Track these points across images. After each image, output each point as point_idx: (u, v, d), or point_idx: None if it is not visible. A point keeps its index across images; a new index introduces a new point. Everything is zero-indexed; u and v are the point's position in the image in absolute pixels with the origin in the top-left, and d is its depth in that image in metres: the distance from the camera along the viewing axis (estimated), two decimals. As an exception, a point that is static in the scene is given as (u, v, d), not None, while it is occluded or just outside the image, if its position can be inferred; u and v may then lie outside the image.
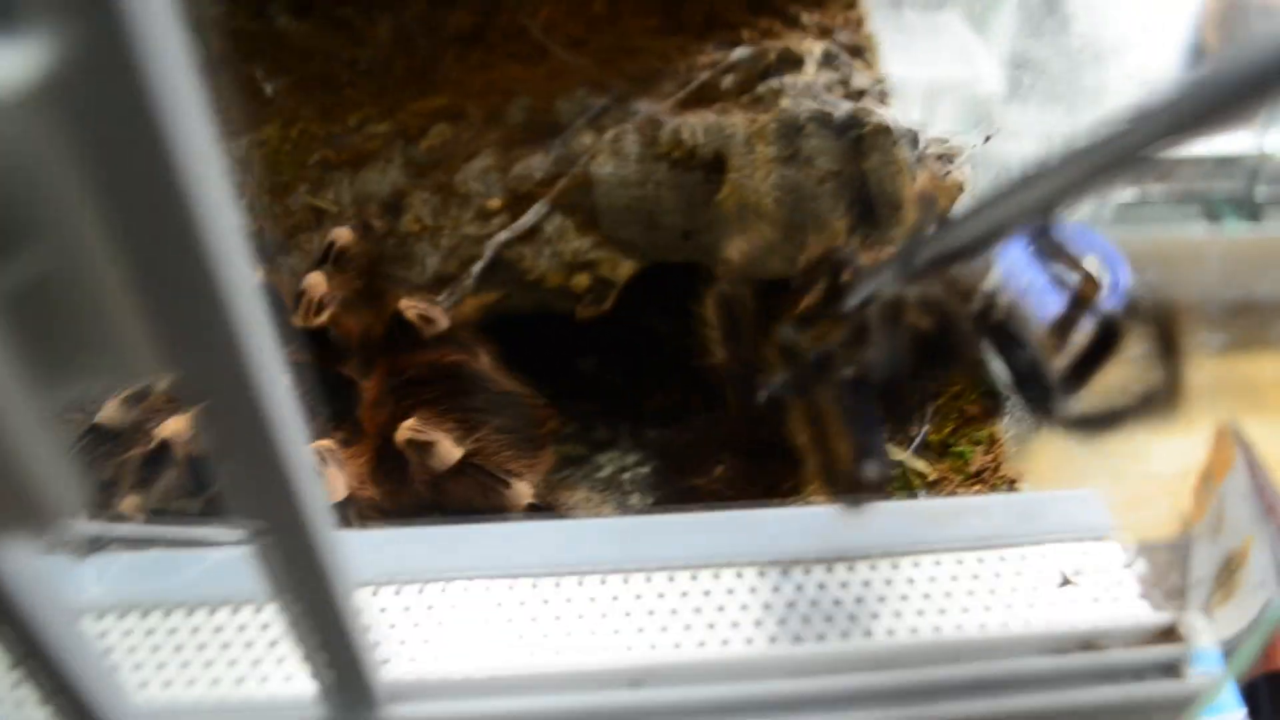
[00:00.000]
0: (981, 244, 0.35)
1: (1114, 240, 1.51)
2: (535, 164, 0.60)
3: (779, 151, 0.56)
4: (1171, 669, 0.39)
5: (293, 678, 0.39)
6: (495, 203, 0.60)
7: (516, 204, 0.60)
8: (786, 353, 0.45)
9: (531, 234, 0.59)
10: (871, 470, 0.36)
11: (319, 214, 0.61)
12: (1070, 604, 0.42)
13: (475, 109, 0.64)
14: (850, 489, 0.37)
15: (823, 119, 0.55)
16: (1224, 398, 1.57)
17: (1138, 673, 0.39)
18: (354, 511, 0.48)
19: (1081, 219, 1.52)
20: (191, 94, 0.21)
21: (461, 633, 0.40)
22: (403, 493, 0.51)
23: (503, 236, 0.58)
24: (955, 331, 0.38)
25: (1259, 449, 1.42)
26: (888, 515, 0.45)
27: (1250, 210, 1.63)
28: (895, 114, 0.55)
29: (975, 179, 0.56)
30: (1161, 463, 1.59)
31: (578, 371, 0.68)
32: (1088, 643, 0.40)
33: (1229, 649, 1.27)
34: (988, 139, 0.55)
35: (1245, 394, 1.63)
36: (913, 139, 0.55)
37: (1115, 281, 1.44)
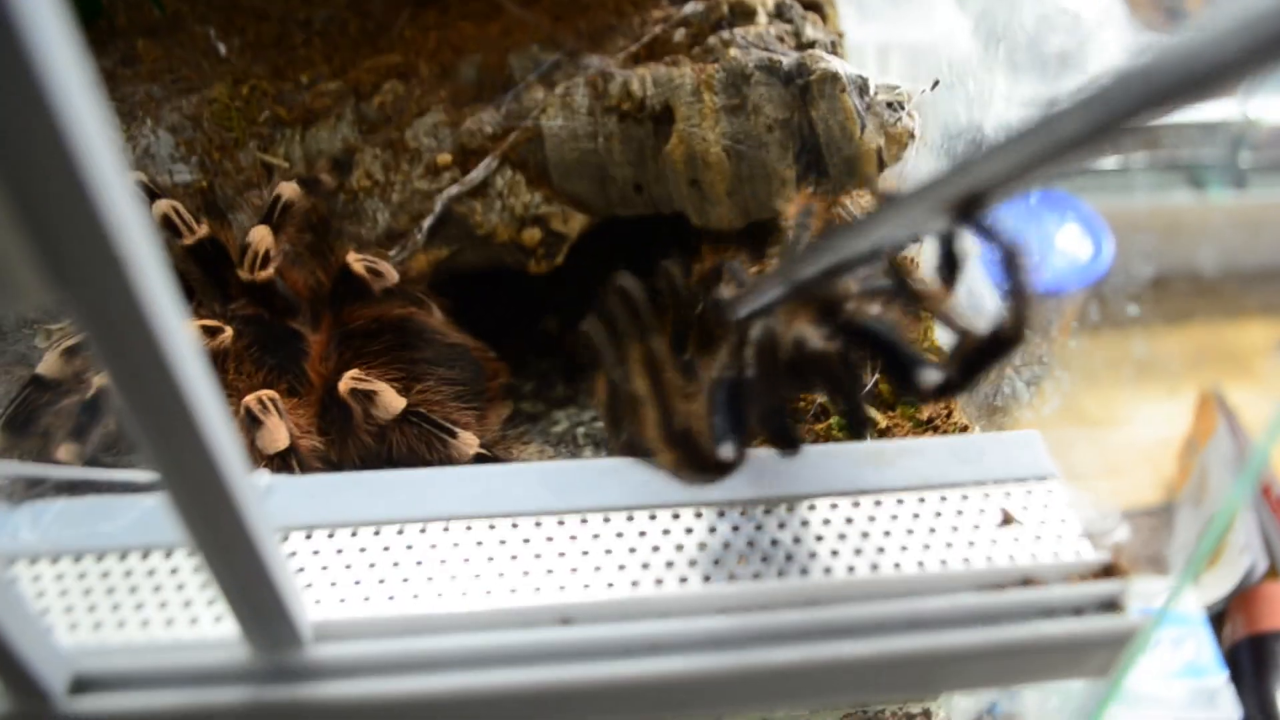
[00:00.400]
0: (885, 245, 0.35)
1: (1097, 209, 1.51)
2: (486, 119, 0.60)
3: (726, 101, 0.55)
4: (1111, 604, 0.39)
5: (223, 618, 0.38)
6: (446, 158, 0.59)
7: (467, 159, 0.59)
8: (668, 286, 0.45)
9: (482, 189, 0.59)
10: (727, 452, 0.36)
11: (269, 170, 0.60)
12: (1012, 542, 0.41)
13: (427, 66, 0.63)
14: (698, 459, 0.36)
15: (770, 67, 0.54)
16: (1208, 365, 1.57)
17: (1077, 608, 0.39)
18: (296, 461, 0.47)
19: (1065, 187, 1.51)
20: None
21: (393, 575, 0.40)
22: (347, 444, 0.50)
23: (453, 190, 0.58)
24: (815, 353, 0.38)
25: (1242, 416, 1.42)
26: (829, 457, 0.45)
27: (1235, 177, 1.62)
28: (845, 64, 0.55)
29: (924, 127, 0.56)
30: (1144, 429, 1.59)
31: (535, 329, 0.68)
32: (1027, 579, 0.40)
33: (1214, 613, 1.27)
34: (935, 85, 0.54)
35: (1229, 361, 1.62)
36: (862, 86, 0.54)
37: (1098, 250, 1.43)
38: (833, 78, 0.53)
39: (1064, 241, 1.43)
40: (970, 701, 1.19)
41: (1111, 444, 1.39)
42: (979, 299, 1.22)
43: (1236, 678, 1.20)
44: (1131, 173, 1.59)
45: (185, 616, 0.39)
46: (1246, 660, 1.21)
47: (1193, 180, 1.61)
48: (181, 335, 0.26)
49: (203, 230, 0.52)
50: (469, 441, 0.50)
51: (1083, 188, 1.53)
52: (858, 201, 0.60)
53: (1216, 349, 1.62)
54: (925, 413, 0.52)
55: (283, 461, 0.47)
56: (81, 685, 0.36)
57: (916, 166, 0.56)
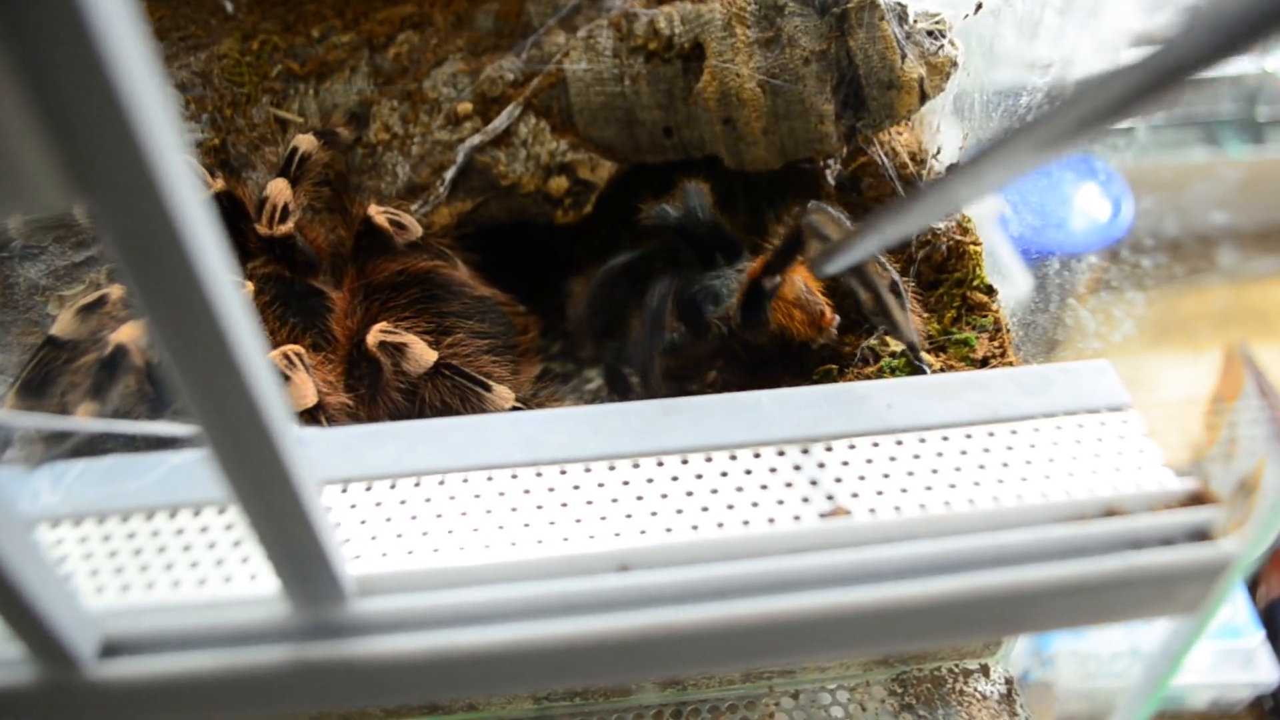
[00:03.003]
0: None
1: (1115, 168, 1.48)
2: (506, 66, 0.57)
3: (759, 34, 0.53)
4: (1202, 534, 0.37)
5: (258, 576, 0.36)
6: (466, 107, 0.57)
7: (488, 107, 0.57)
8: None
9: (506, 138, 0.57)
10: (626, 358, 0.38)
11: (283, 126, 0.58)
12: (1090, 474, 0.39)
13: (442, 16, 0.61)
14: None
15: (805, -5, 0.52)
16: (1231, 324, 1.54)
17: (1166, 538, 0.37)
18: (325, 418, 0.45)
19: (1083, 148, 1.48)
20: None
21: (437, 526, 0.37)
22: (377, 400, 0.48)
23: (475, 140, 0.55)
24: None
25: (1269, 374, 1.39)
26: (890, 392, 0.42)
27: (1253, 132, 1.59)
28: (883, -10, 0.52)
29: (967, 55, 0.53)
30: (1169, 390, 1.56)
31: (563, 288, 0.65)
32: (1110, 511, 0.37)
33: (1248, 574, 1.25)
34: (978, 8, 0.52)
35: (1253, 319, 1.60)
36: (900, 14, 0.52)
37: (1117, 210, 1.41)
38: (870, 5, 0.51)
39: (1083, 202, 1.41)
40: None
41: (1136, 405, 1.35)
42: (1000, 258, 1.20)
43: (1272, 637, 1.18)
44: (1148, 131, 1.57)
45: (218, 575, 0.37)
46: (1282, 620, 1.19)
47: (1210, 137, 1.58)
48: (217, 256, 0.24)
49: (218, 184, 0.50)
50: (504, 395, 0.47)
51: (1100, 146, 1.50)
52: (896, 139, 0.57)
53: (1240, 307, 1.59)
54: (980, 352, 0.50)
55: (310, 419, 0.45)
56: (112, 649, 0.34)
57: (958, 95, 0.54)
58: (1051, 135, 0.27)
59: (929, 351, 0.50)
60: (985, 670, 0.56)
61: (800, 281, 0.51)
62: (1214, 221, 1.49)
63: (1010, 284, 1.24)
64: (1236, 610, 1.19)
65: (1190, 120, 1.58)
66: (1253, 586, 1.24)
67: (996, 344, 0.51)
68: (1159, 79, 0.24)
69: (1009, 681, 0.55)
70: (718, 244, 0.57)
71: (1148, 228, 1.35)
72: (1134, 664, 1.16)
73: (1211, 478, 0.38)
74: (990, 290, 0.53)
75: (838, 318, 0.51)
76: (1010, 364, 0.50)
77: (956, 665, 0.56)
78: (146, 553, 0.38)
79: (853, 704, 0.55)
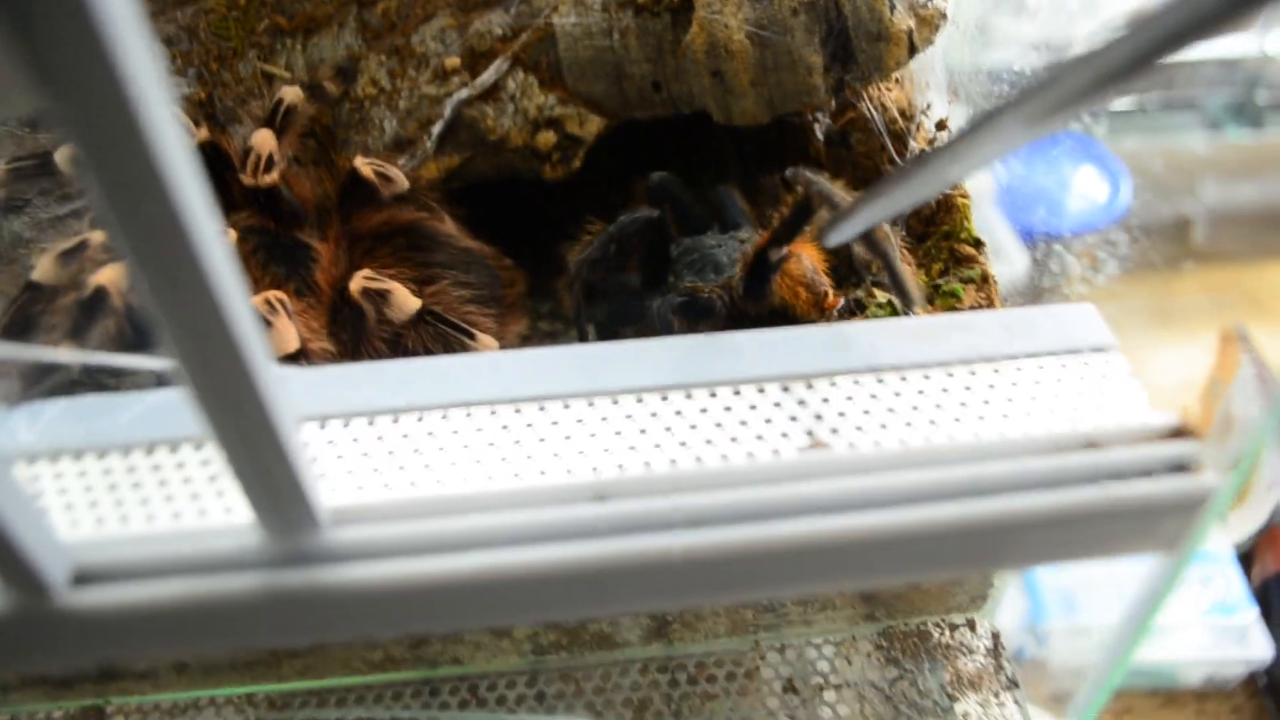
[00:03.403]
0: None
1: (1114, 151, 1.48)
2: (495, 20, 0.57)
3: (748, -17, 0.53)
4: (1182, 466, 0.37)
5: (233, 510, 0.36)
6: (454, 61, 0.57)
7: (476, 62, 0.56)
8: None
9: (494, 93, 0.56)
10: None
11: (270, 81, 0.57)
12: (1072, 411, 0.39)
13: (432, -30, 0.60)
14: None
15: (793, -55, 0.52)
16: (1228, 307, 1.54)
17: (1146, 470, 0.36)
18: (306, 363, 0.45)
19: (1081, 129, 1.48)
20: None
21: (414, 461, 0.37)
22: (360, 349, 0.48)
23: (463, 94, 0.55)
24: None
25: (1266, 357, 1.39)
26: (874, 334, 0.42)
27: (1252, 115, 1.59)
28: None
29: (956, 7, 0.53)
30: (1166, 371, 1.55)
31: (551, 246, 0.65)
32: (1091, 444, 0.37)
33: (1242, 551, 1.25)
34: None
35: (1249, 302, 1.59)
36: (890, -36, 0.52)
37: (1115, 192, 1.40)
38: (859, -46, 0.51)
39: (1082, 184, 1.41)
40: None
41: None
42: (998, 237, 1.19)
43: (1267, 615, 1.18)
44: (1148, 114, 1.56)
45: (193, 509, 0.36)
46: (1276, 596, 1.19)
47: (1209, 120, 1.57)
48: (195, 186, 0.24)
49: (202, 133, 0.50)
50: (488, 344, 0.47)
51: (1098, 129, 1.50)
52: (885, 94, 0.57)
53: (1236, 290, 1.59)
54: (966, 303, 0.50)
55: (292, 364, 0.45)
56: (84, 577, 0.34)
57: (946, 51, 0.53)
58: (1056, 101, 0.28)
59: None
60: (972, 625, 0.56)
61: (808, 260, 0.51)
62: (1212, 204, 1.48)
63: (1008, 263, 1.24)
64: (1231, 587, 1.19)
65: (1190, 104, 1.57)
66: (1247, 564, 1.24)
67: (983, 295, 0.50)
68: (1149, 52, 0.24)
69: (995, 636, 0.55)
70: (721, 216, 0.57)
71: (1146, 210, 1.35)
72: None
73: (1191, 413, 0.38)
74: (978, 243, 0.53)
75: (841, 300, 0.51)
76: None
77: (943, 619, 0.56)
78: (122, 488, 0.38)
79: (839, 658, 0.55)
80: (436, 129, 0.55)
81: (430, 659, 0.52)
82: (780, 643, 0.55)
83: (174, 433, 0.39)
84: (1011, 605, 1.20)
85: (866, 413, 0.38)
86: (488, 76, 0.56)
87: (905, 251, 0.51)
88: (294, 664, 0.53)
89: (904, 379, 0.40)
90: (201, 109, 0.57)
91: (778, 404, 0.39)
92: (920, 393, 0.39)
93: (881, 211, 0.38)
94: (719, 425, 0.38)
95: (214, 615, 0.33)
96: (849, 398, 0.39)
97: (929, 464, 0.36)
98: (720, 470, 0.36)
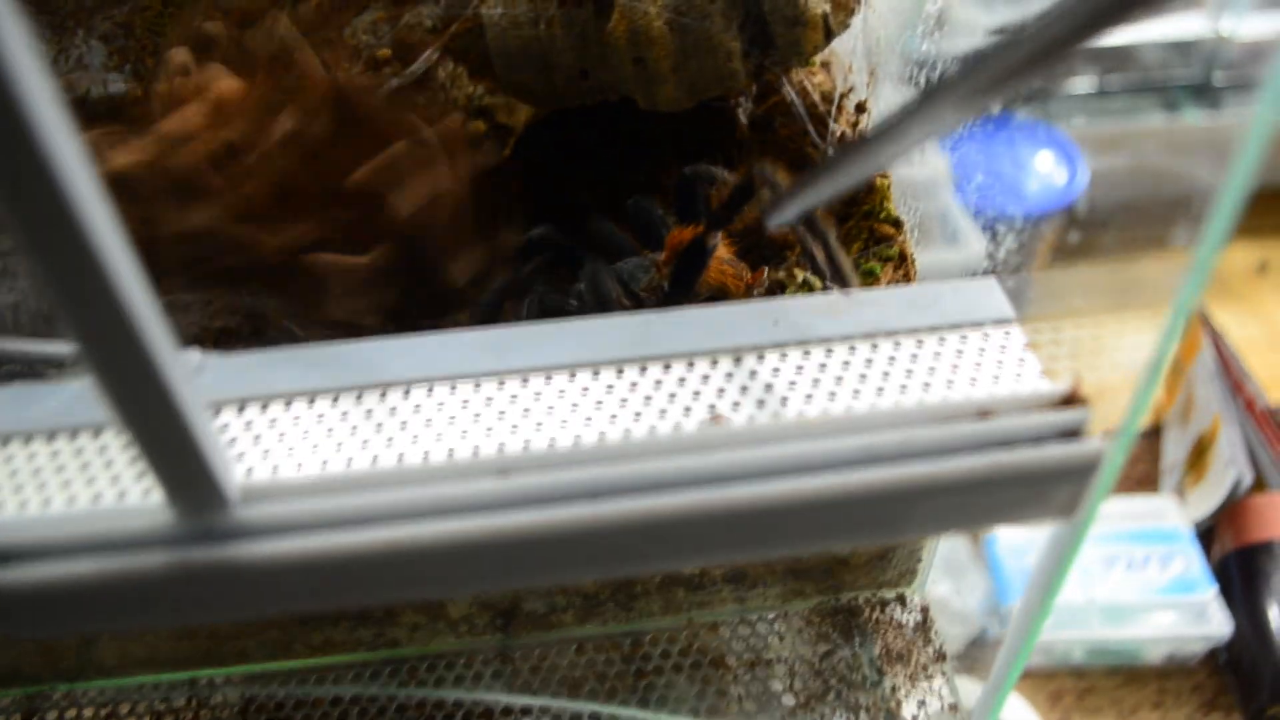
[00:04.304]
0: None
1: (1071, 134, 1.50)
2: (425, 13, 0.58)
3: (667, -28, 0.54)
4: (1071, 432, 0.38)
5: (152, 492, 0.37)
6: (385, 53, 0.57)
7: (407, 52, 0.57)
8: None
9: (425, 83, 0.57)
10: None
11: (204, 76, 0.58)
12: (968, 383, 0.40)
13: (365, -36, 0.61)
14: None
15: (710, -66, 0.53)
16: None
17: (1035, 437, 0.37)
18: None
19: (1038, 114, 1.50)
20: None
21: (327, 441, 0.38)
22: None
23: (393, 83, 0.56)
24: None
25: (1228, 336, 1.41)
26: (779, 310, 0.43)
27: (1209, 97, 1.60)
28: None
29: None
30: (1127, 353, 1.56)
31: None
32: (983, 413, 0.38)
33: (1202, 529, 1.27)
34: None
35: (1211, 283, 1.61)
36: (805, -50, 0.53)
37: (1073, 175, 1.42)
38: (774, -58, 0.52)
39: (1039, 168, 1.42)
40: (960, 628, 1.18)
41: (1095, 368, 1.37)
42: (954, 222, 1.20)
43: (1226, 591, 1.20)
44: (1105, 96, 1.58)
45: (114, 492, 0.37)
46: (1235, 573, 1.21)
47: (1167, 102, 1.59)
48: (75, 154, 0.25)
49: None
50: None
51: (1056, 113, 1.52)
52: (810, 77, 0.58)
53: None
54: (884, 281, 0.51)
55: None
56: (1, 556, 0.35)
57: (865, 34, 0.54)
58: (987, 82, 0.28)
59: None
60: (902, 599, 0.57)
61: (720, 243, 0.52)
62: (1170, 186, 1.50)
63: (964, 247, 1.25)
64: (1190, 565, 1.20)
65: (1147, 85, 1.59)
66: (1207, 542, 1.26)
67: (901, 273, 0.52)
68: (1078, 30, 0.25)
69: (924, 610, 0.56)
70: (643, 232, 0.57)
71: (1103, 192, 1.36)
72: (1092, 616, 1.18)
73: (1082, 381, 0.39)
74: (898, 223, 0.54)
75: (765, 279, 0.52)
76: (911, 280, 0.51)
77: (874, 595, 0.57)
78: (45, 472, 0.38)
79: (771, 635, 0.56)
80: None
81: (368, 642, 0.54)
82: (714, 620, 0.56)
83: (98, 418, 0.40)
84: (975, 586, 1.22)
85: (768, 387, 0.39)
86: (417, 67, 0.57)
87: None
88: (233, 646, 0.54)
89: (807, 354, 0.41)
90: (138, 104, 0.58)
91: (682, 380, 0.40)
92: (821, 366, 0.40)
93: (822, 193, 0.39)
94: (623, 402, 0.39)
95: (125, 592, 0.34)
96: (752, 373, 0.40)
97: (822, 435, 0.37)
98: (619, 444, 0.37)
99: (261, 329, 0.56)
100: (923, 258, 0.80)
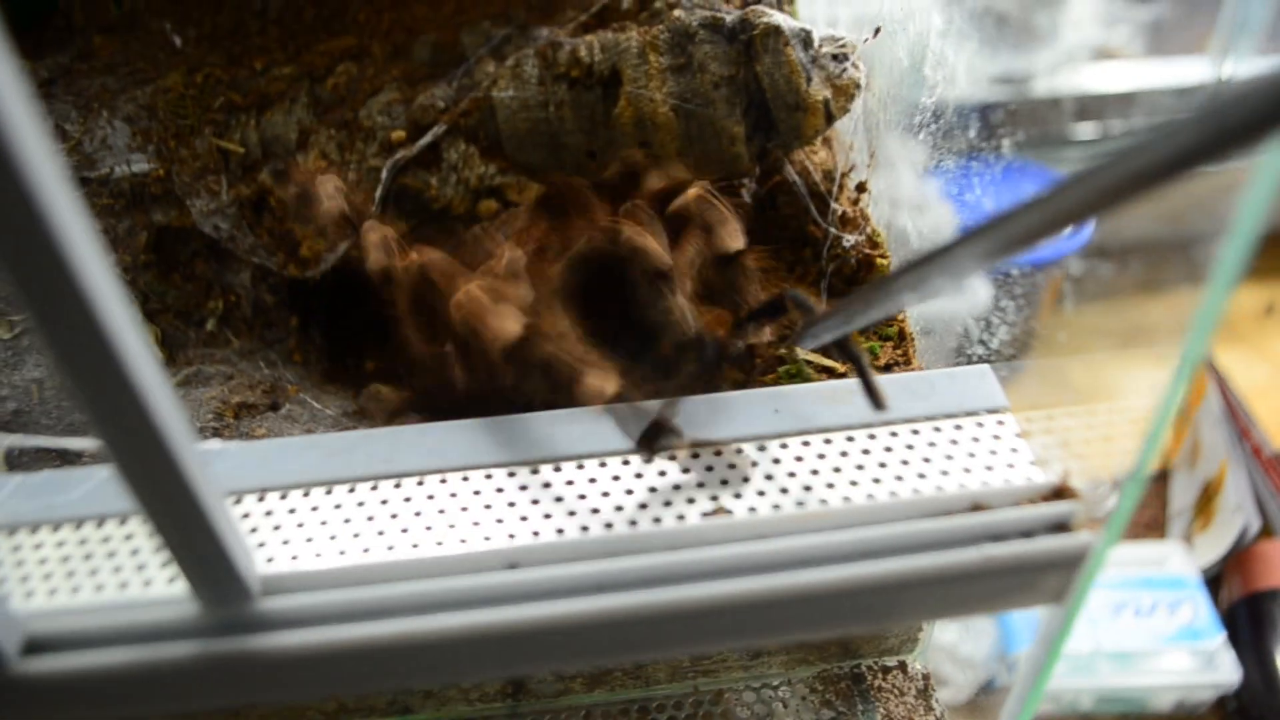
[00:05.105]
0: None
1: (1074, 184, 1.51)
2: (438, 94, 0.60)
3: (671, 60, 0.55)
4: (1060, 526, 0.39)
5: (177, 579, 0.39)
6: (399, 134, 0.59)
7: (420, 134, 0.59)
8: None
9: (436, 163, 0.59)
10: None
11: (225, 155, 0.60)
12: (962, 474, 0.41)
13: (380, 48, 0.63)
14: None
15: (714, 25, 0.55)
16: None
17: (1026, 531, 0.39)
18: None
19: (1039, 159, 1.51)
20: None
21: (344, 530, 0.40)
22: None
23: (399, 154, 0.58)
24: None
25: (1235, 380, 1.42)
26: (781, 399, 0.45)
27: (1214, 143, 1.61)
28: (788, 18, 0.55)
29: (870, 78, 0.56)
30: (1134, 398, 1.57)
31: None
32: (976, 506, 0.40)
33: (1210, 576, 1.27)
34: (877, 32, 0.54)
35: (1220, 326, 1.61)
36: (805, 39, 0.54)
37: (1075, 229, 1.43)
38: (775, 31, 0.54)
39: (1045, 214, 1.43)
40: (967, 675, 1.18)
41: (1102, 413, 1.38)
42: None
43: (1234, 639, 1.20)
44: (1108, 141, 1.59)
45: (139, 580, 0.39)
46: (1244, 621, 1.21)
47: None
48: (97, 259, 0.26)
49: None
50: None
51: (1060, 159, 1.53)
52: (812, 158, 0.60)
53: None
54: (883, 360, 0.52)
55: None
56: (34, 646, 0.36)
57: (866, 115, 0.56)
58: (1008, 239, 0.30)
59: (838, 361, 0.52)
60: (903, 666, 0.58)
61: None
62: (1176, 229, 1.51)
63: (971, 295, 1.26)
64: (1199, 612, 1.21)
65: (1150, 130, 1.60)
66: (1215, 588, 1.26)
67: (900, 352, 0.53)
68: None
69: (925, 677, 0.57)
70: None
71: (1109, 237, 1.37)
72: (1100, 663, 1.18)
73: (1070, 475, 0.40)
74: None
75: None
76: (914, 370, 0.53)
77: (875, 662, 0.58)
78: (74, 560, 0.40)
79: (775, 702, 0.57)
80: (378, 193, 0.58)
81: (381, 709, 0.55)
82: (718, 687, 0.57)
83: (123, 507, 0.41)
84: (983, 633, 1.22)
85: (769, 478, 0.41)
86: (424, 140, 0.59)
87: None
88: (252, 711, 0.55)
89: (806, 444, 0.42)
90: (161, 184, 0.60)
91: (687, 470, 0.41)
92: (820, 457, 0.42)
93: (853, 323, 0.41)
94: (629, 492, 0.41)
95: (152, 682, 0.36)
96: (754, 463, 0.42)
97: (821, 528, 0.38)
98: (627, 536, 0.39)
99: (279, 403, 0.58)
100: (930, 308, 0.82)
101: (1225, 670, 1.17)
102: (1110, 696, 1.18)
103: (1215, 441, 1.32)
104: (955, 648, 1.20)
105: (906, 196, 0.78)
